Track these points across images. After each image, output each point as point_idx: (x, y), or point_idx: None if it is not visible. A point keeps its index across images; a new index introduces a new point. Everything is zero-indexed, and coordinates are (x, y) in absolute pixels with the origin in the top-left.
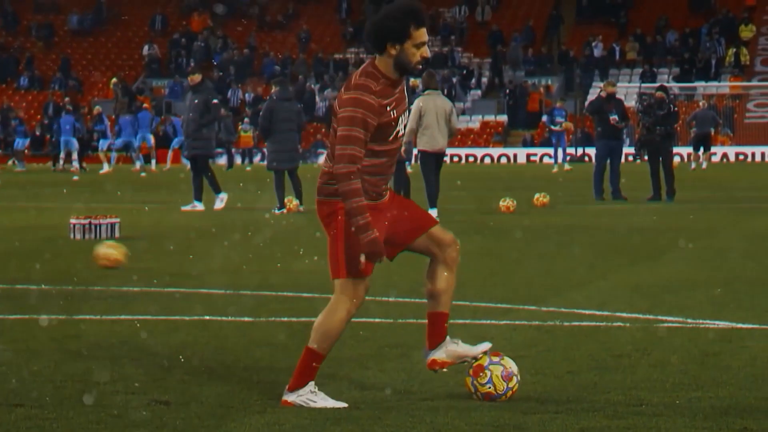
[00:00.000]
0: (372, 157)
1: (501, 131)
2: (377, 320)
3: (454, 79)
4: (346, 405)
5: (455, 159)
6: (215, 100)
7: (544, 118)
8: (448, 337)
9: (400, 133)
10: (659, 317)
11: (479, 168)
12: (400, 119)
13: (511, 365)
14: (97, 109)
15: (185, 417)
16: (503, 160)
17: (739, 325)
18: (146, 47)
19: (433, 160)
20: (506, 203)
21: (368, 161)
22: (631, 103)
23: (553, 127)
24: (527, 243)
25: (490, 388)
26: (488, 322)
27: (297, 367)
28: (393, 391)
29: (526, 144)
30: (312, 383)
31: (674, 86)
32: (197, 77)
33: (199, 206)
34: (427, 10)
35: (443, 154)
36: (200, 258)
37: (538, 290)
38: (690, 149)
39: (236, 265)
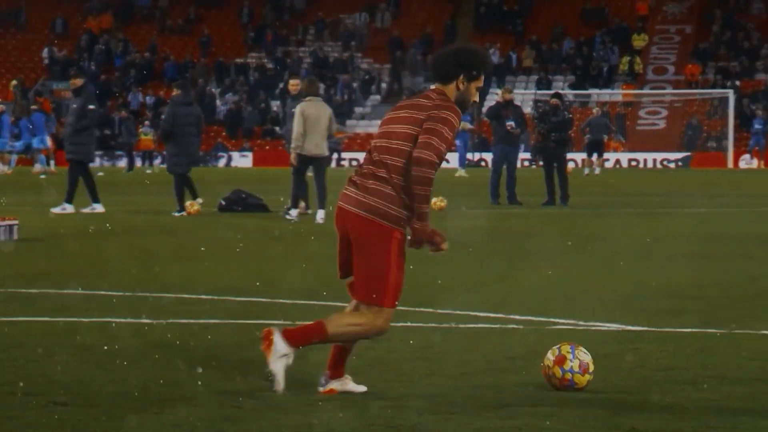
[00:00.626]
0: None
1: None
2: (276, 322)
3: (355, 85)
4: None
5: (354, 163)
6: (92, 106)
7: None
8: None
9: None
10: (552, 319)
11: None
12: None
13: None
14: None
15: (83, 418)
16: None
17: (629, 328)
18: (46, 50)
19: (307, 164)
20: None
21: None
22: (527, 109)
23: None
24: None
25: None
26: (430, 325)
27: (304, 327)
28: (289, 393)
29: None
30: (292, 351)
31: (569, 93)
32: (78, 81)
33: (69, 208)
34: (327, 15)
35: (324, 158)
36: (99, 260)
37: (434, 293)
38: (584, 155)
39: (134, 268)
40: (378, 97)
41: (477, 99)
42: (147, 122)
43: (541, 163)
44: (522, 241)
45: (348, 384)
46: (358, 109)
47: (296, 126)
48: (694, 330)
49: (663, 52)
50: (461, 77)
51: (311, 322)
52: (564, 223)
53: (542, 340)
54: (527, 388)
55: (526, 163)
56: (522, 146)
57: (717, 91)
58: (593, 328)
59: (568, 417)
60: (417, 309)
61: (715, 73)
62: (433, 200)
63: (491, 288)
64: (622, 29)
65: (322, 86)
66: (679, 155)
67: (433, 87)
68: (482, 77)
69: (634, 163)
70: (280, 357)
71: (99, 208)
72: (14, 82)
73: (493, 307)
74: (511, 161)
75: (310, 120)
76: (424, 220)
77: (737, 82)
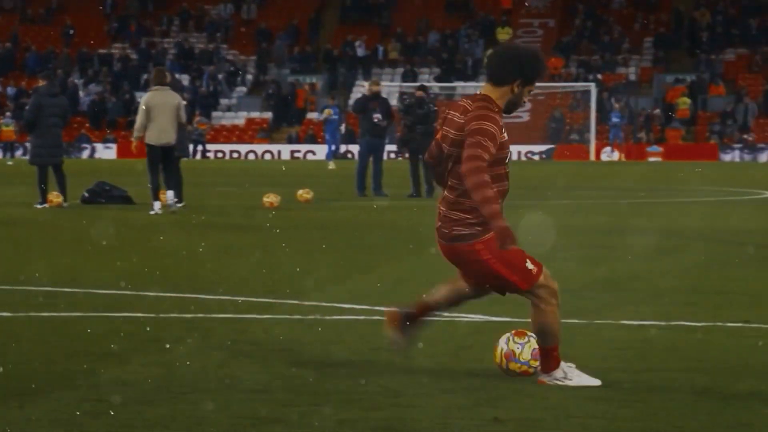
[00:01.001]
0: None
1: (266, 128)
2: (139, 315)
3: (220, 76)
4: (599, 382)
5: (219, 155)
6: None
7: (315, 115)
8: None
9: (508, 160)
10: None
11: (243, 164)
12: (509, 147)
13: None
14: None
15: None
16: (267, 156)
17: (492, 319)
18: None
19: (159, 153)
20: (270, 199)
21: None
22: (393, 102)
23: (320, 118)
24: (290, 238)
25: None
26: (250, 316)
27: (541, 362)
28: (153, 386)
29: (291, 141)
30: (563, 364)
31: (434, 86)
32: None
33: None
34: (192, 6)
35: (173, 147)
36: None
37: (300, 285)
38: None
39: None
40: (244, 88)
41: (526, 102)
42: (8, 113)
43: (406, 155)
44: (388, 233)
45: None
46: (224, 101)
47: (138, 116)
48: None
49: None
50: (518, 82)
51: (540, 352)
52: (430, 214)
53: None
54: (392, 378)
55: (393, 155)
56: (388, 138)
57: (579, 85)
58: (457, 319)
59: (430, 408)
60: (283, 301)
61: (577, 67)
62: (299, 192)
63: (357, 280)
64: (487, 22)
65: (186, 77)
66: (543, 147)
67: (482, 89)
68: (535, 83)
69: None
70: (564, 378)
71: None
72: None
73: (359, 299)
74: (377, 153)
75: (155, 109)
76: (495, 220)
77: (599, 76)
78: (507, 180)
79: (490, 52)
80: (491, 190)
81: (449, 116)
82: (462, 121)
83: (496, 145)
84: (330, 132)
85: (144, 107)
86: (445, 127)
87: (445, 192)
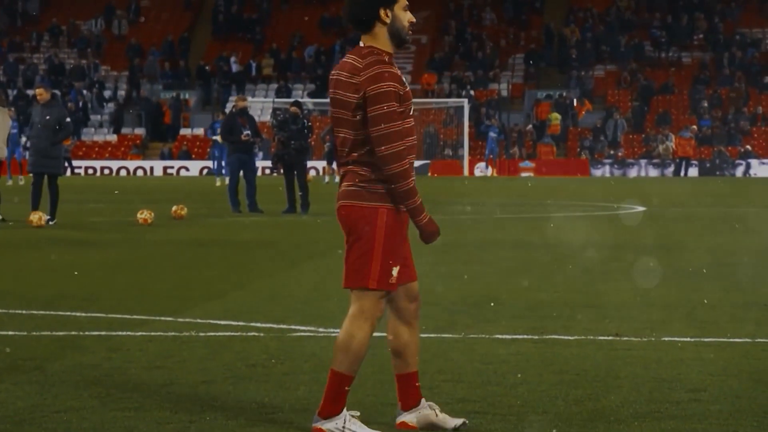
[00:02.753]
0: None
1: (139, 144)
2: (11, 333)
3: (86, 92)
4: None
5: (90, 171)
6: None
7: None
8: (423, 400)
9: (412, 111)
10: (293, 326)
11: (115, 180)
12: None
13: None
14: None
15: None
16: (140, 172)
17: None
18: None
19: None
20: (144, 215)
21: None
22: (267, 117)
23: (215, 137)
24: (164, 255)
25: None
26: (124, 333)
27: (326, 393)
28: (26, 405)
29: (164, 157)
30: (346, 412)
31: (308, 101)
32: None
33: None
34: (62, 22)
35: None
36: None
37: (175, 301)
38: (324, 163)
39: None
40: (113, 104)
41: (413, 19)
42: None
43: (281, 171)
44: (263, 249)
45: (427, 412)
46: (95, 117)
47: None
48: (430, 335)
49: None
50: (381, 10)
51: (328, 380)
52: (305, 230)
53: (283, 347)
54: (267, 395)
55: (267, 171)
56: (261, 154)
57: (453, 101)
58: (333, 334)
59: (306, 423)
60: (157, 318)
61: (450, 83)
62: (174, 208)
63: (233, 296)
64: (359, 38)
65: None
66: (418, 163)
67: (362, 40)
68: None
69: None
70: (346, 425)
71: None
72: None
73: (234, 316)
74: (248, 169)
75: None
76: (417, 215)
77: (472, 92)
78: (414, 133)
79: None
80: (413, 178)
81: (339, 77)
82: (356, 81)
83: (399, 103)
84: (219, 148)
85: None
86: (338, 91)
87: (347, 155)
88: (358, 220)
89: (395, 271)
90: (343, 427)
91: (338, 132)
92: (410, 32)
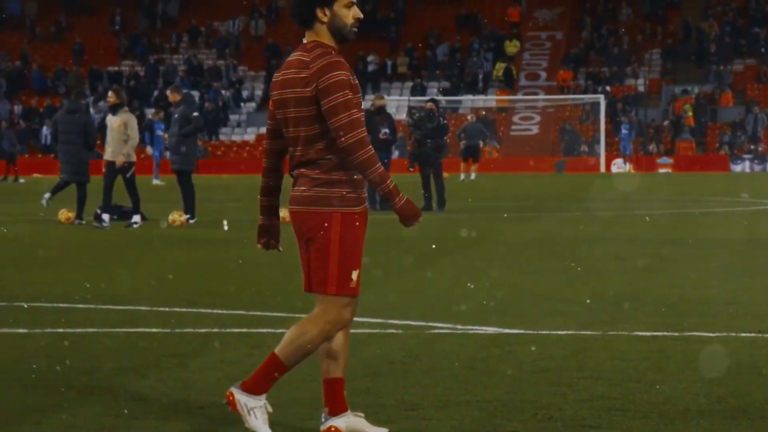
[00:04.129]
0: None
1: None
2: (154, 330)
3: (228, 92)
4: None
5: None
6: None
7: None
8: (349, 410)
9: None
10: (430, 324)
11: (255, 180)
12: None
13: None
14: None
15: None
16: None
17: (506, 331)
18: None
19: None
20: (282, 214)
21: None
22: (402, 115)
23: None
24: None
25: None
26: (265, 330)
27: (258, 370)
28: (170, 401)
29: None
30: (264, 398)
31: (442, 99)
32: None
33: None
34: (201, 23)
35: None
36: None
37: (310, 299)
38: (460, 161)
39: (8, 276)
40: (253, 104)
41: (359, 15)
42: None
43: (416, 168)
44: (400, 246)
45: (354, 419)
46: (233, 117)
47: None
48: (569, 332)
49: (535, 58)
50: (317, 9)
51: (265, 360)
52: (441, 228)
53: (421, 344)
54: (406, 391)
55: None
56: (396, 152)
57: (588, 97)
58: (471, 331)
59: (446, 420)
60: (296, 315)
61: (585, 79)
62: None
63: (371, 294)
64: (496, 36)
65: (196, 93)
66: (555, 160)
67: (305, 38)
68: None
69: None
70: (254, 409)
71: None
72: None
73: (372, 313)
74: (384, 168)
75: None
76: (393, 198)
77: (608, 88)
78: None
79: None
80: (379, 163)
81: (285, 77)
82: (305, 75)
83: (353, 92)
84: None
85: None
86: (285, 90)
87: (300, 155)
88: (312, 227)
89: (354, 275)
90: (250, 409)
91: (288, 132)
92: (355, 29)
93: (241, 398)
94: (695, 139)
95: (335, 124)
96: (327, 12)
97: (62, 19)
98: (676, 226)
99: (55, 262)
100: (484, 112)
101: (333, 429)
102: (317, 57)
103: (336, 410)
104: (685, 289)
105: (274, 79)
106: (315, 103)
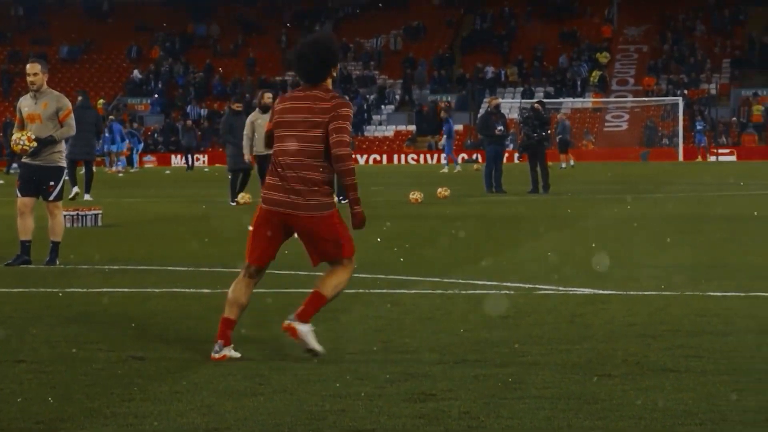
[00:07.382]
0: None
1: (411, 137)
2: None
3: (372, 97)
4: (321, 349)
5: (371, 161)
6: None
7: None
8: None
9: None
10: (537, 285)
11: (394, 168)
12: None
13: None
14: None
15: (156, 369)
16: (411, 161)
17: (600, 292)
18: (135, 71)
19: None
20: (415, 195)
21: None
22: (514, 115)
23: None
24: (432, 228)
25: None
26: (401, 291)
27: (307, 303)
28: (326, 348)
29: (431, 147)
30: (310, 325)
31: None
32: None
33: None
34: (350, 40)
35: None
36: (167, 242)
37: (441, 265)
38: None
39: (195, 246)
40: (392, 107)
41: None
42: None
43: (525, 158)
44: (512, 223)
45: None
46: (375, 117)
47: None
48: (653, 293)
49: (625, 67)
50: (333, 68)
51: (309, 296)
52: (547, 207)
53: (529, 303)
54: (517, 342)
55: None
56: (510, 145)
57: (669, 99)
58: (571, 292)
59: (551, 365)
60: (427, 279)
61: (667, 84)
62: (439, 190)
63: (487, 261)
64: (591, 48)
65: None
66: (641, 151)
67: (315, 89)
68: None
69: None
70: (306, 335)
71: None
72: (101, 101)
73: (489, 277)
74: (499, 158)
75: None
76: (355, 204)
77: (685, 91)
78: None
79: (298, 50)
80: (355, 178)
81: (304, 105)
82: (327, 105)
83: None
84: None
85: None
86: (304, 115)
87: (301, 163)
88: (319, 221)
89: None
90: (307, 333)
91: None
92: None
93: (302, 327)
94: (759, 135)
95: (335, 139)
96: (335, 71)
97: (239, 38)
98: (739, 206)
99: (228, 234)
100: (566, 115)
101: (225, 357)
102: (334, 96)
103: (227, 340)
104: (752, 256)
105: (284, 102)
106: (323, 128)
